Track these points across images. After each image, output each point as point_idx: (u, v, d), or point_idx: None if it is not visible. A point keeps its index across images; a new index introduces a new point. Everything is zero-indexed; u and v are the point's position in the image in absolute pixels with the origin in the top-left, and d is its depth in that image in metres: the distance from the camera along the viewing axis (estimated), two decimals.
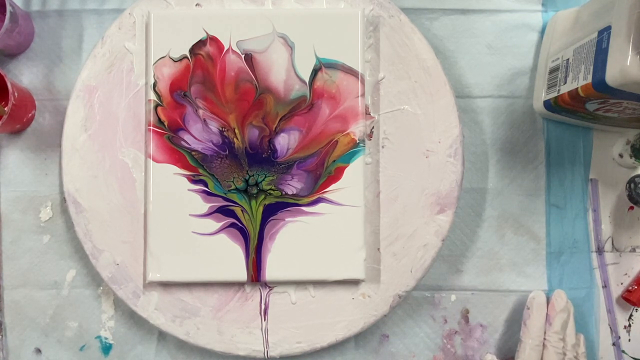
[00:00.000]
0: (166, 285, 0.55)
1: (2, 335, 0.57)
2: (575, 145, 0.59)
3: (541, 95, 0.56)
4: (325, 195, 0.54)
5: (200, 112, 0.54)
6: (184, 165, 0.54)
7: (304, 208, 0.54)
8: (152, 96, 0.54)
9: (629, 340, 0.58)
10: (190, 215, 0.54)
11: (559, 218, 0.58)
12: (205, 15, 0.55)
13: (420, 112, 0.55)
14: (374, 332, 0.58)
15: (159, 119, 0.54)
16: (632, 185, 0.54)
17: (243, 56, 0.55)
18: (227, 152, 0.54)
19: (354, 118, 0.54)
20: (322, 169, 0.54)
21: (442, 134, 0.55)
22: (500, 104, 0.59)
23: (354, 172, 0.54)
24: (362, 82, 0.54)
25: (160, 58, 0.55)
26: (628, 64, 0.42)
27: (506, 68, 0.59)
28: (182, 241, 0.54)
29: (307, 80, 0.55)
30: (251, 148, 0.54)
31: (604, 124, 0.56)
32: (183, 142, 0.54)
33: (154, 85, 0.54)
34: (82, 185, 0.55)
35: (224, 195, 0.54)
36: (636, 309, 0.58)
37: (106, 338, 0.57)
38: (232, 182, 0.54)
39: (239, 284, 0.55)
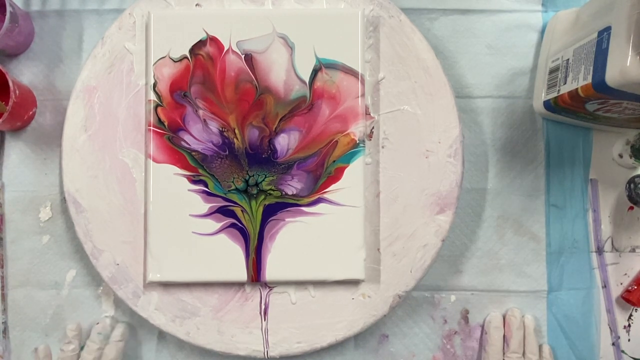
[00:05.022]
0: (166, 285, 0.55)
1: (5, 336, 0.57)
2: (575, 145, 0.59)
3: (541, 95, 0.56)
4: (325, 196, 0.54)
5: (200, 112, 0.54)
6: (184, 166, 0.54)
7: (304, 208, 0.54)
8: (152, 96, 0.54)
9: (629, 340, 0.58)
10: (190, 215, 0.54)
11: (558, 218, 0.58)
12: (205, 15, 0.55)
13: (420, 112, 0.55)
14: (374, 332, 0.58)
15: (159, 119, 0.54)
16: (632, 185, 0.54)
17: (243, 56, 0.55)
18: (227, 152, 0.54)
19: (354, 118, 0.54)
20: (322, 169, 0.54)
21: (442, 134, 0.55)
22: (500, 104, 0.59)
23: (354, 173, 0.54)
24: (362, 82, 0.54)
25: (160, 58, 0.55)
26: (628, 64, 0.42)
27: (506, 68, 0.59)
28: (182, 241, 0.54)
29: (307, 80, 0.55)
30: (251, 148, 0.54)
31: (604, 124, 0.56)
32: (183, 143, 0.54)
33: (154, 85, 0.54)
34: (82, 185, 0.55)
35: (224, 196, 0.54)
36: (636, 309, 0.58)
37: None
38: (232, 182, 0.54)
39: (239, 284, 0.55)
